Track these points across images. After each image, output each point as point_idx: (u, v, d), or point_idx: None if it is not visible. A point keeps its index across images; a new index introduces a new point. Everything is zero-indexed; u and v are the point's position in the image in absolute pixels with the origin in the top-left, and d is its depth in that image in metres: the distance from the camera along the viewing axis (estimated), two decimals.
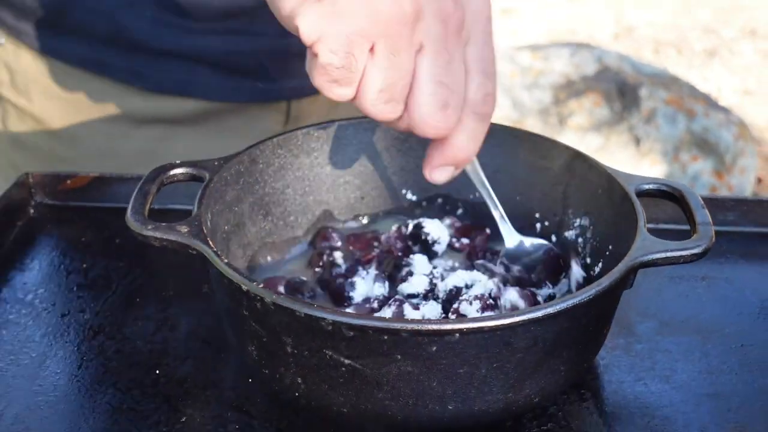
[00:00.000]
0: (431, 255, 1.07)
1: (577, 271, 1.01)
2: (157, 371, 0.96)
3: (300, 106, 1.33)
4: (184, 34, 1.23)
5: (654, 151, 3.46)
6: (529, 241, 1.04)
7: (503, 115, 3.53)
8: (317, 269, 1.05)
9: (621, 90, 3.60)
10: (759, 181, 3.68)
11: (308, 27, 0.77)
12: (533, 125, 3.52)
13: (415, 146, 1.11)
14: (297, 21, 0.77)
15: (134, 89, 1.29)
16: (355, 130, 1.11)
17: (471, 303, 0.92)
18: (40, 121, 1.34)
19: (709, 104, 3.61)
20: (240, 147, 1.03)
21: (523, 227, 1.08)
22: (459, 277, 0.98)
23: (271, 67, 1.30)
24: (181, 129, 1.31)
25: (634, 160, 3.45)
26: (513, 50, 3.86)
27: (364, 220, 1.13)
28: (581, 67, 3.71)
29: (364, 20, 0.76)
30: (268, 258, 1.06)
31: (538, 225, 1.08)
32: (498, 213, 1.02)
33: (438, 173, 0.88)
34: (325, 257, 1.05)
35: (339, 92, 0.80)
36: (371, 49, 0.77)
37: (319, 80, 0.79)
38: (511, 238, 1.04)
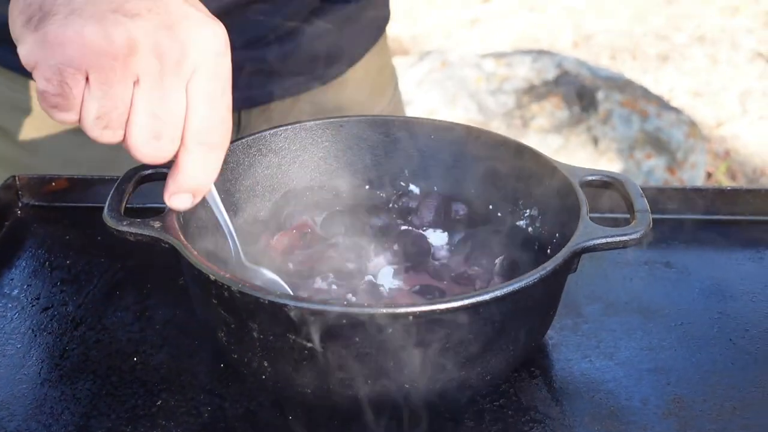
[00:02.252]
0: None
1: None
2: (135, 359, 0.96)
3: (249, 116, 1.31)
4: None
5: (611, 150, 3.46)
6: (256, 270, 0.96)
7: (470, 118, 3.53)
8: None
9: (579, 93, 3.60)
10: (709, 175, 3.69)
11: (25, 54, 0.75)
12: (498, 128, 3.51)
13: (376, 144, 1.11)
14: (18, 48, 0.76)
15: None
16: (320, 129, 1.10)
17: None
18: (5, 132, 1.31)
19: (661, 105, 3.62)
20: None
21: (479, 218, 1.08)
22: None
23: None
24: None
25: (593, 158, 3.45)
26: (478, 57, 3.85)
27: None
28: (542, 73, 3.72)
29: (74, 52, 0.74)
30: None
31: (491, 216, 1.08)
32: (231, 240, 0.94)
33: (175, 200, 0.85)
34: None
35: (60, 117, 0.78)
36: (88, 80, 0.76)
37: (42, 104, 0.77)
38: (240, 258, 0.95)
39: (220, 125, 0.82)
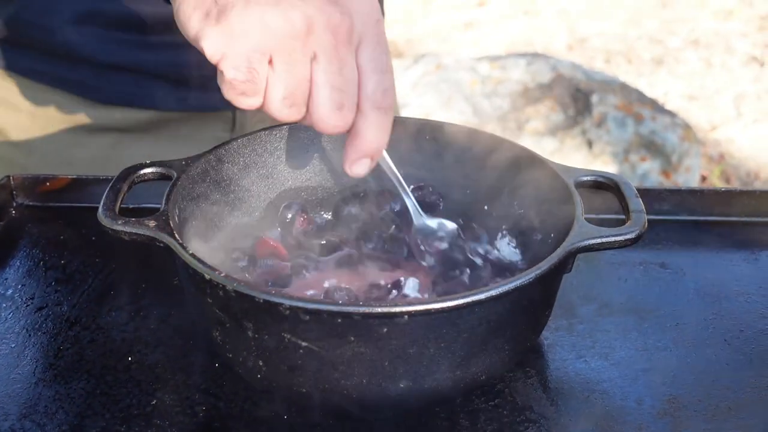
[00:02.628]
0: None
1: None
2: (130, 358, 0.95)
3: (244, 114, 1.32)
4: (130, 48, 1.21)
5: (605, 153, 3.47)
6: (435, 222, 1.03)
7: (465, 120, 3.53)
8: None
9: (574, 96, 3.61)
10: (703, 179, 3.70)
11: (211, 48, 0.80)
12: (493, 130, 3.52)
13: None
14: (201, 43, 0.80)
15: (86, 100, 1.27)
16: (315, 130, 1.10)
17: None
18: (0, 131, 1.32)
19: (656, 109, 3.62)
20: (189, 153, 1.02)
21: (473, 218, 1.08)
22: None
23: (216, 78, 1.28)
24: (132, 137, 1.29)
25: (587, 161, 3.45)
26: (473, 61, 3.86)
27: (327, 215, 1.12)
28: (537, 76, 3.72)
29: (259, 38, 0.79)
30: (236, 251, 1.05)
31: (487, 216, 1.08)
32: (409, 199, 1.01)
33: (357, 167, 0.89)
34: None
35: (248, 102, 0.83)
36: (270, 62, 0.80)
37: (228, 94, 0.82)
38: (419, 219, 1.03)
39: (391, 88, 0.86)
